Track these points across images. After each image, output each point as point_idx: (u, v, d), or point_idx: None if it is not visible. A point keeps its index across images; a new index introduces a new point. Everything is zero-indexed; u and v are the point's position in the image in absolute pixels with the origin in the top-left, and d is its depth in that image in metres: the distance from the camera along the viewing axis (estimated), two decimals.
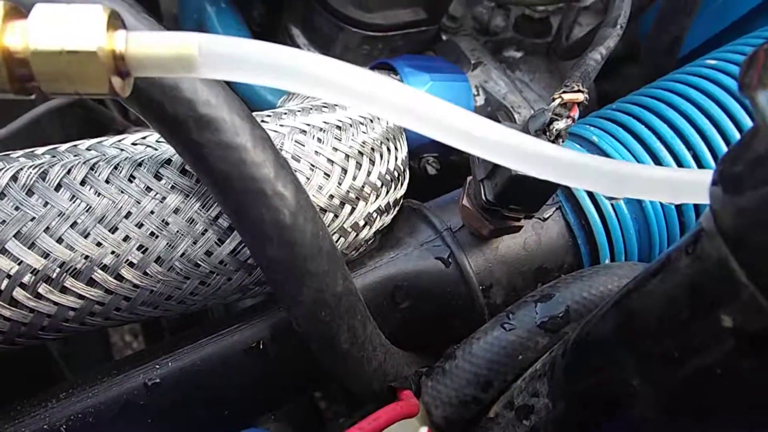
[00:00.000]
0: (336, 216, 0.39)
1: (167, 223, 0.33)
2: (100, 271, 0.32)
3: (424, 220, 0.47)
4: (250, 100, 0.77)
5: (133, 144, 0.35)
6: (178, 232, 0.34)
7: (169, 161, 0.34)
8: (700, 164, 0.49)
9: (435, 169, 0.75)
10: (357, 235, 0.42)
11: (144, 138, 0.36)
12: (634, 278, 0.29)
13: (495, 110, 0.75)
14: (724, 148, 0.49)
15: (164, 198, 0.33)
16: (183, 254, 0.34)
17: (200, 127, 0.29)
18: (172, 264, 0.34)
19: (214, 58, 0.22)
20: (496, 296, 0.46)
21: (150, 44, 0.22)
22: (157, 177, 0.34)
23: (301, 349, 0.37)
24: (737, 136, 0.49)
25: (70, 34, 0.21)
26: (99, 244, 0.32)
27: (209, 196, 0.34)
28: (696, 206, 0.49)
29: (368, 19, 0.77)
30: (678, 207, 0.49)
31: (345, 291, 0.34)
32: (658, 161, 0.49)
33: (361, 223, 0.41)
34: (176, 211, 0.34)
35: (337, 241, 0.40)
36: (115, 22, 0.22)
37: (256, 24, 0.91)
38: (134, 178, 0.33)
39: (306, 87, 0.23)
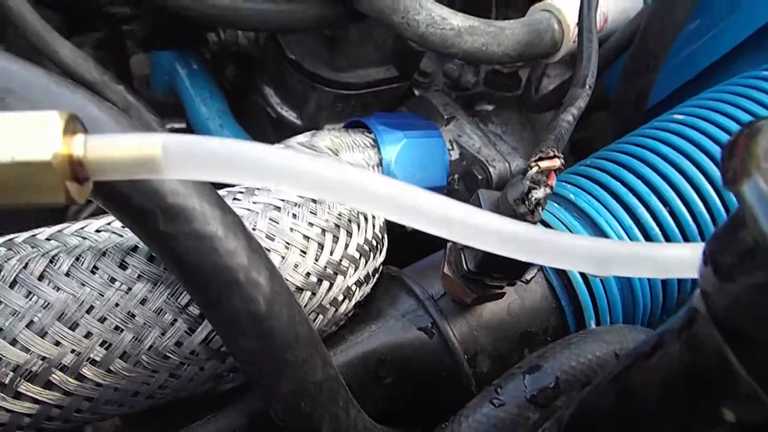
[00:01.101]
0: (313, 294, 0.38)
1: (133, 315, 0.31)
2: (58, 373, 0.30)
3: (404, 288, 0.45)
4: None
5: (97, 231, 0.33)
6: (145, 323, 0.32)
7: (135, 248, 0.32)
8: (676, 219, 0.49)
9: None
10: (336, 310, 0.40)
11: (109, 224, 0.34)
12: (631, 354, 0.28)
13: (470, 164, 0.75)
14: (697, 202, 0.49)
15: (130, 288, 0.32)
16: (151, 347, 0.32)
17: (168, 218, 0.28)
18: (139, 358, 0.32)
19: (178, 159, 0.21)
20: (482, 365, 0.45)
21: (111, 148, 0.21)
22: (122, 266, 0.32)
23: None
24: (709, 189, 0.49)
25: (22, 143, 0.20)
26: (58, 343, 0.30)
27: (178, 283, 0.32)
28: None
29: (340, 78, 0.77)
30: None
31: (325, 378, 0.32)
32: (634, 216, 0.49)
33: (340, 297, 0.40)
34: (143, 301, 0.32)
35: (315, 320, 0.39)
36: (73, 125, 0.21)
37: (228, 83, 0.92)
38: (97, 269, 0.31)
39: (278, 184, 0.22)
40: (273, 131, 0.87)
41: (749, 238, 0.19)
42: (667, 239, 0.48)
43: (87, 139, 0.21)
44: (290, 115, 0.83)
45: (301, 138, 0.68)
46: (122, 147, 0.21)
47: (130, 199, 0.27)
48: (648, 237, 0.48)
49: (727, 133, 0.50)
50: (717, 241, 0.21)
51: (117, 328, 0.31)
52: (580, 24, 0.57)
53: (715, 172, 0.49)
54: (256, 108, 0.87)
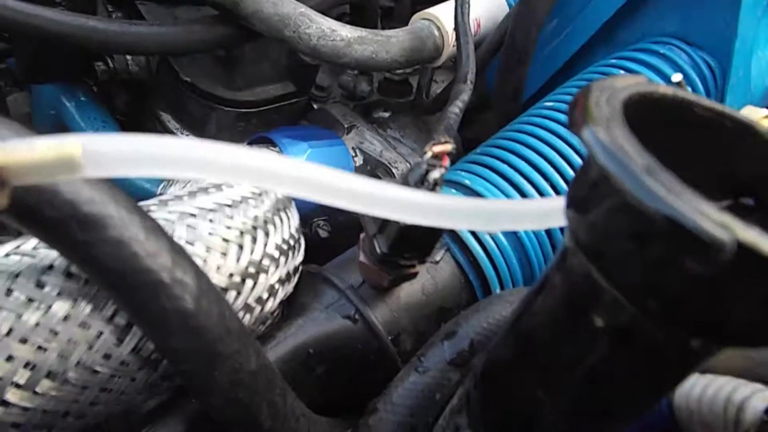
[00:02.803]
0: (239, 293, 0.39)
1: (56, 333, 0.31)
2: None
3: (325, 282, 0.48)
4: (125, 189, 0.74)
5: (6, 255, 0.33)
6: (69, 340, 0.32)
7: (51, 267, 0.32)
8: (556, 190, 0.55)
9: (326, 232, 0.77)
10: (262, 308, 0.42)
11: (18, 247, 0.33)
12: (522, 300, 0.32)
13: (374, 168, 0.80)
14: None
15: (50, 306, 0.31)
16: (78, 363, 0.32)
17: (85, 227, 0.28)
18: (66, 376, 0.32)
19: (98, 157, 0.22)
20: (405, 343, 0.48)
21: (28, 151, 0.22)
22: (39, 285, 0.32)
23: None
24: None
25: None
26: None
27: (102, 295, 0.33)
28: (562, 227, 0.56)
29: (239, 97, 0.79)
30: (546, 230, 0.55)
31: (260, 367, 0.34)
32: (522, 193, 0.55)
33: (265, 295, 0.41)
34: (66, 318, 0.32)
35: (243, 318, 0.40)
36: None
37: (120, 113, 0.89)
38: (12, 291, 0.31)
39: (195, 173, 0.24)
40: None
41: (594, 172, 0.23)
42: None
43: (2, 146, 0.22)
44: (192, 139, 0.82)
45: None
46: (39, 150, 0.22)
47: (43, 212, 0.28)
48: None
49: None
50: (574, 184, 0.26)
51: (40, 347, 0.31)
52: (456, 29, 0.63)
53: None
54: (153, 134, 0.85)
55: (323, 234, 0.77)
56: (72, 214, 0.28)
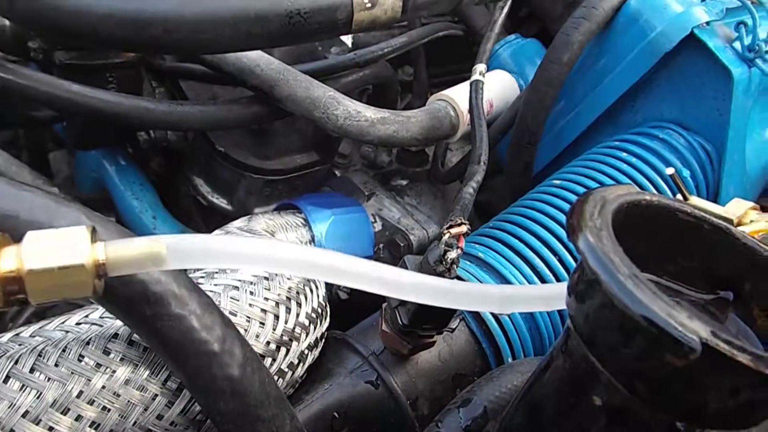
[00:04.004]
0: (274, 360, 0.43)
1: (118, 395, 0.36)
2: None
3: (349, 348, 0.51)
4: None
5: (77, 324, 0.37)
6: (129, 402, 0.36)
7: (116, 335, 0.37)
8: (565, 266, 0.59)
9: (346, 294, 0.81)
10: (293, 373, 0.45)
11: (87, 316, 0.38)
12: (531, 374, 0.36)
13: (392, 234, 0.84)
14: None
15: (114, 371, 0.36)
16: (135, 422, 0.36)
17: (153, 304, 0.33)
18: None
19: (179, 253, 0.27)
20: (422, 407, 0.51)
21: (125, 249, 0.27)
22: (106, 352, 0.36)
23: None
24: None
25: (60, 253, 0.25)
26: (51, 429, 0.33)
27: (157, 361, 0.37)
28: None
29: (268, 166, 0.85)
30: None
31: (293, 429, 0.38)
32: (531, 266, 0.60)
33: (296, 361, 0.45)
34: (127, 381, 0.36)
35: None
36: (94, 235, 0.27)
37: (154, 174, 0.96)
38: (83, 357, 0.35)
39: (251, 265, 0.29)
40: (201, 217, 0.92)
41: (587, 274, 0.28)
42: (559, 282, 0.59)
43: (106, 246, 0.27)
44: (221, 202, 0.88)
45: (239, 223, 0.74)
46: (134, 248, 0.27)
47: (118, 291, 0.33)
48: (543, 281, 0.58)
49: None
50: (573, 276, 0.30)
51: (104, 408, 0.35)
52: (470, 111, 0.70)
53: None
54: (185, 196, 0.92)
55: (343, 296, 0.81)
56: (143, 292, 0.33)
